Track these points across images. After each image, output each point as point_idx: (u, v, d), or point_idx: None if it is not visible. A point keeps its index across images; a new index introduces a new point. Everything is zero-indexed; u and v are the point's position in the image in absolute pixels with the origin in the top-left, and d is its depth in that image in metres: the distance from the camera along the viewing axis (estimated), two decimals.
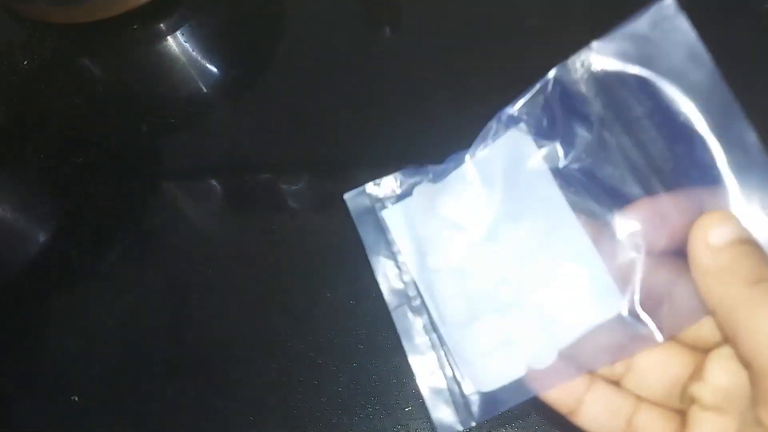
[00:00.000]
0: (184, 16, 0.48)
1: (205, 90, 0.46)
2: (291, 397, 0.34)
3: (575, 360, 0.24)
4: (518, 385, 0.24)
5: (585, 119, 0.24)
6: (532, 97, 0.24)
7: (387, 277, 0.27)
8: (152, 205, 0.42)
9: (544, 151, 0.24)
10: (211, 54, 0.48)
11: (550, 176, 0.24)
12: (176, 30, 0.48)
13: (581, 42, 0.23)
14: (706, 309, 0.21)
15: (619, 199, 0.23)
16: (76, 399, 0.36)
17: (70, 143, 0.45)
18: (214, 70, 0.47)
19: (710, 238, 0.21)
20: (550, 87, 0.24)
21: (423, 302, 0.26)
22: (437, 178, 0.27)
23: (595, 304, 0.23)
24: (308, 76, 0.45)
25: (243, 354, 0.36)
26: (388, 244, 0.28)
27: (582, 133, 0.24)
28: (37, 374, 0.38)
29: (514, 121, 0.25)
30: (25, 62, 0.48)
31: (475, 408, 0.25)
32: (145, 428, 0.35)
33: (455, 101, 0.41)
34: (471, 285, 0.25)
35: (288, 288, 0.37)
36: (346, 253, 0.38)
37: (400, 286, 0.27)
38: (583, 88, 0.23)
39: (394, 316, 0.27)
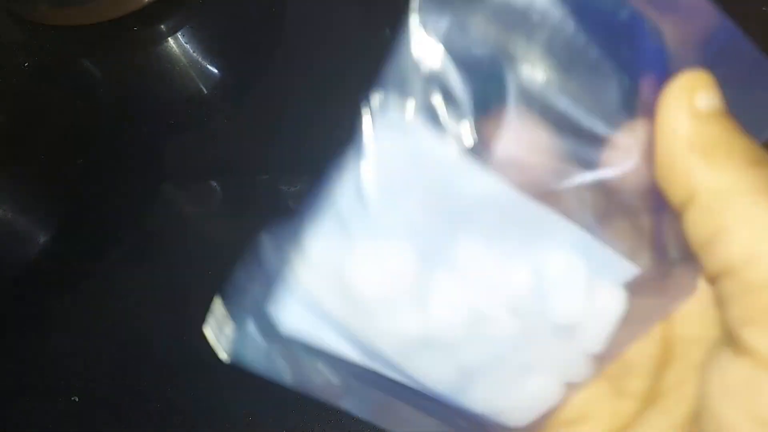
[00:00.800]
0: (185, 17, 0.48)
1: (205, 91, 0.46)
2: (290, 398, 0.34)
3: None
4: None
5: (484, 65, 0.16)
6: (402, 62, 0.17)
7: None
8: (152, 206, 0.42)
9: (444, 137, 0.16)
10: (211, 55, 0.48)
11: (469, 163, 0.16)
12: (176, 32, 0.48)
13: None
14: (675, 199, 0.16)
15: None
16: (76, 399, 0.36)
17: (70, 144, 0.45)
18: (215, 71, 0.47)
19: (697, 101, 0.15)
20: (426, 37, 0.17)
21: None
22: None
23: (606, 293, 0.18)
24: (309, 77, 0.45)
25: None
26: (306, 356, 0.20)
27: (487, 89, 0.17)
28: (37, 374, 0.38)
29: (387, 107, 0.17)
30: (26, 64, 0.48)
31: None
32: (144, 428, 0.35)
33: None
34: (444, 351, 0.18)
35: None
36: None
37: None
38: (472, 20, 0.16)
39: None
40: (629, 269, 0.18)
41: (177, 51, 0.47)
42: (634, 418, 0.19)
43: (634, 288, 0.19)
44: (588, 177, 0.17)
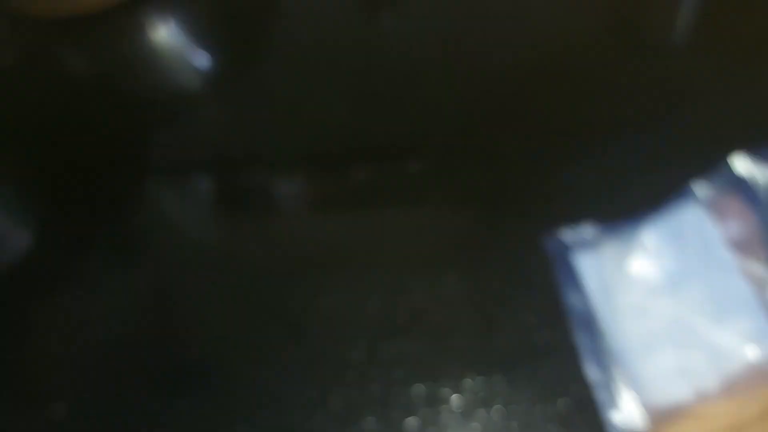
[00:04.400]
0: (173, 5, 0.48)
1: (194, 83, 0.46)
2: (283, 410, 0.34)
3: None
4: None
5: None
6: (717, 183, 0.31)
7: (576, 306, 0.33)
8: (138, 204, 0.41)
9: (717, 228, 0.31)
10: (200, 45, 0.48)
11: (723, 247, 0.31)
12: (164, 21, 0.47)
13: None
14: None
15: None
16: (58, 409, 0.35)
17: (51, 140, 0.44)
18: (204, 61, 0.47)
19: None
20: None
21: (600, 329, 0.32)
22: (619, 235, 0.33)
23: (754, 345, 0.28)
24: (302, 67, 0.44)
25: (234, 363, 0.35)
26: (576, 281, 0.33)
27: None
28: (18, 383, 0.37)
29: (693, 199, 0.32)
30: (6, 57, 0.48)
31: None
32: None
33: (458, 92, 0.40)
34: (650, 323, 0.31)
35: (282, 294, 0.37)
36: (343, 257, 0.37)
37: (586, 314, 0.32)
38: None
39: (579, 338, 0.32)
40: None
41: (164, 41, 0.47)
42: None
43: None
44: None
